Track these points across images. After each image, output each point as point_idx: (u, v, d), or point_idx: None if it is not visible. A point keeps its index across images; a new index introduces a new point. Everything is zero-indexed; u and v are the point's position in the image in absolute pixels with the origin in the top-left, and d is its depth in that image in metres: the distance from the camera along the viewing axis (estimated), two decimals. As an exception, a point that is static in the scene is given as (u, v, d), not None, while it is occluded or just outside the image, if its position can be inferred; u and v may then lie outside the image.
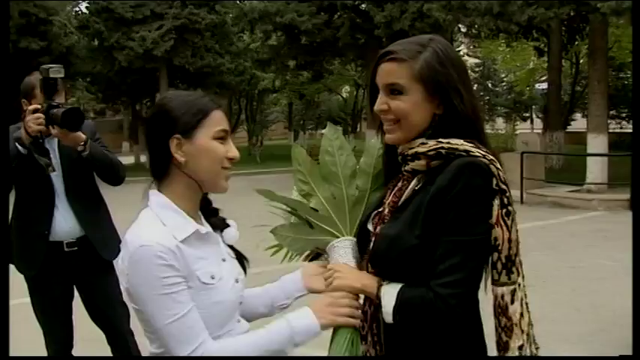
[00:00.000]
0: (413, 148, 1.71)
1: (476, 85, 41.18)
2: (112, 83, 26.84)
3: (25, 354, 4.56)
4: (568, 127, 27.19)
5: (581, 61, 26.50)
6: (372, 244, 1.78)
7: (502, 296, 1.67)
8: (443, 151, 1.65)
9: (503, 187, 1.63)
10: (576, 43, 24.28)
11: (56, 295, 3.57)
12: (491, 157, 1.65)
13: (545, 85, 25.91)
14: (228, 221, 1.93)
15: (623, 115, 30.87)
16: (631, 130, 29.77)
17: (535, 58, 30.49)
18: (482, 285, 1.70)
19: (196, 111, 1.73)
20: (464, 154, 1.63)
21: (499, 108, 43.47)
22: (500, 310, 1.67)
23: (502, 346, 1.68)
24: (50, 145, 3.39)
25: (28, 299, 3.65)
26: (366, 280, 1.75)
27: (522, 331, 1.67)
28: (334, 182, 1.97)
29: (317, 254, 2.01)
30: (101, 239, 3.53)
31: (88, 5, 25.92)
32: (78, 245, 3.51)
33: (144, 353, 1.92)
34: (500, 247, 1.64)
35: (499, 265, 1.65)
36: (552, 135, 20.00)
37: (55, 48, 21.81)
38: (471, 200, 1.60)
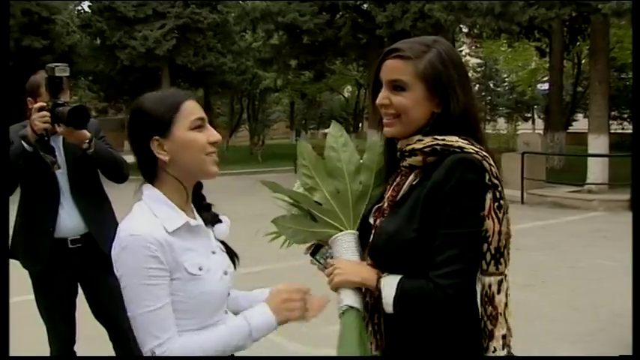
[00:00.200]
0: (410, 144, 1.79)
1: (478, 86, 41.19)
2: (114, 82, 26.89)
3: (26, 351, 4.60)
4: (570, 127, 27.18)
5: (582, 61, 26.47)
6: (371, 237, 1.84)
7: (489, 286, 1.72)
8: (438, 147, 1.72)
9: (496, 181, 1.70)
10: (578, 43, 24.27)
11: (60, 291, 3.61)
12: (485, 153, 1.71)
13: (546, 86, 25.89)
14: (221, 217, 1.99)
15: (625, 115, 30.86)
16: (632, 131, 29.79)
17: (537, 58, 30.49)
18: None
19: (168, 108, 1.78)
20: (458, 150, 1.71)
21: (501, 108, 43.45)
22: (487, 299, 1.73)
23: (487, 334, 1.74)
24: (55, 143, 3.43)
25: (30, 296, 3.69)
26: (365, 274, 1.81)
27: (506, 321, 1.73)
28: (339, 177, 2.02)
29: (318, 246, 2.05)
30: (105, 236, 3.55)
31: (90, 4, 25.93)
32: (82, 242, 3.54)
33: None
34: (490, 239, 1.70)
35: (488, 256, 1.71)
36: (553, 135, 20.00)
37: (58, 47, 21.83)
38: (465, 194, 1.67)
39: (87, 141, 3.34)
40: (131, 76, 25.98)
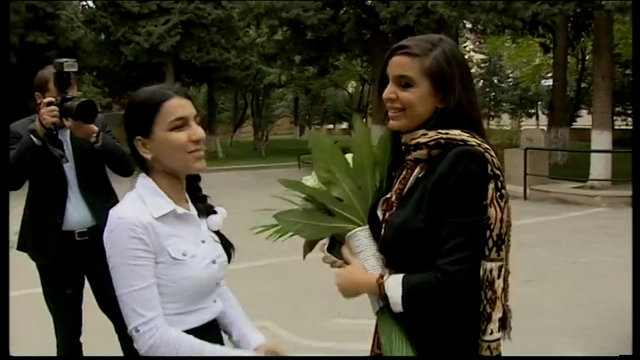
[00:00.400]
0: (415, 138, 1.86)
1: (482, 82, 41.13)
2: (118, 77, 26.95)
3: (30, 343, 4.66)
4: (573, 123, 27.18)
5: (587, 57, 26.44)
6: (382, 232, 1.90)
7: (491, 271, 1.79)
8: (442, 140, 1.80)
9: (497, 172, 1.78)
10: (582, 39, 24.22)
11: (67, 283, 3.66)
12: (486, 145, 1.80)
13: (550, 82, 25.87)
14: (218, 208, 2.06)
15: (629, 111, 30.79)
16: (637, 127, 29.70)
17: (541, 54, 30.44)
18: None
19: (150, 107, 1.84)
20: (461, 143, 1.78)
21: (505, 104, 43.38)
22: (488, 284, 1.79)
23: (485, 317, 1.81)
24: (63, 137, 3.49)
25: (34, 290, 3.74)
26: (363, 288, 1.90)
27: (502, 304, 1.81)
28: (361, 173, 2.03)
29: (332, 241, 2.06)
30: None
31: (94, 0, 26.00)
32: (89, 235, 3.60)
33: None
34: (492, 226, 1.77)
35: (490, 243, 1.78)
36: (557, 131, 20.01)
37: (62, 42, 21.86)
38: (469, 185, 1.75)
39: (94, 135, 3.40)
40: (135, 71, 26.03)
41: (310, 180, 2.09)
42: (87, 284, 3.78)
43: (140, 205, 1.83)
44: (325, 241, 2.06)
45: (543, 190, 13.56)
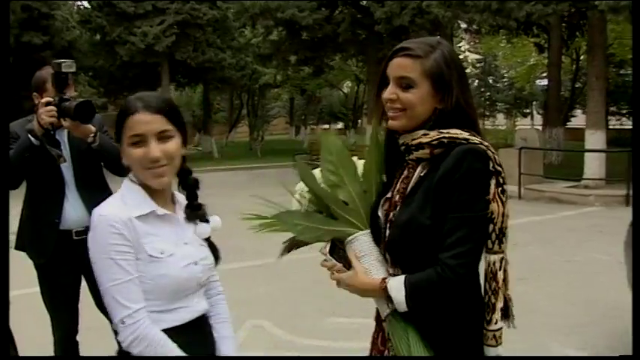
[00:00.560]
0: (416, 138, 1.91)
1: (477, 81, 41.18)
2: (113, 78, 26.96)
3: (28, 343, 4.67)
4: (568, 123, 27.26)
5: (581, 57, 26.54)
6: (387, 232, 1.95)
7: (494, 263, 1.89)
8: (445, 140, 1.86)
9: (499, 168, 1.85)
10: (576, 39, 24.31)
11: (65, 282, 3.69)
12: (487, 143, 1.87)
13: (545, 82, 25.94)
14: (212, 218, 2.09)
15: (624, 111, 30.91)
16: (631, 127, 29.86)
17: (535, 54, 30.51)
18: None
19: (120, 119, 1.92)
20: (464, 142, 1.85)
21: (500, 104, 43.45)
22: (492, 275, 1.89)
23: (490, 307, 1.90)
24: (60, 137, 3.53)
25: (32, 290, 3.76)
26: (369, 292, 1.95)
27: (503, 294, 1.90)
28: (368, 178, 2.07)
29: (333, 244, 2.06)
30: None
31: (90, 0, 25.97)
32: (86, 234, 3.61)
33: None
34: (495, 220, 1.86)
35: (493, 236, 1.87)
36: (551, 131, 20.06)
37: (57, 42, 21.85)
38: (473, 181, 1.81)
39: (92, 135, 3.44)
40: (131, 71, 26.06)
41: (316, 174, 2.09)
42: (84, 283, 3.80)
43: (121, 204, 1.91)
44: (326, 244, 2.07)
45: (538, 190, 13.60)
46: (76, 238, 3.63)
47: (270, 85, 37.26)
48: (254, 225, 2.10)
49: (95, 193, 3.68)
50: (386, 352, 2.00)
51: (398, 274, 1.89)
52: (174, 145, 1.90)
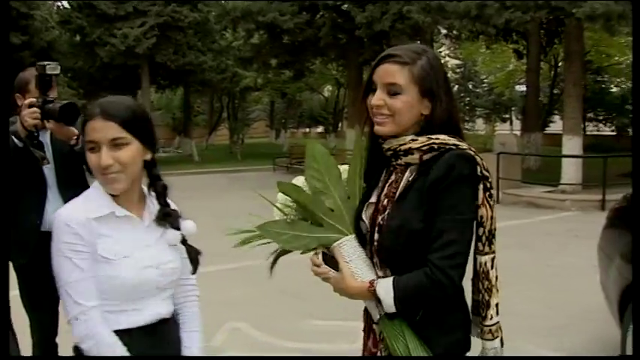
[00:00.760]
0: (404, 144, 1.93)
1: (457, 86, 41.40)
2: (93, 79, 26.76)
3: (26, 343, 4.64)
4: (546, 128, 27.52)
5: (559, 64, 26.82)
6: (375, 235, 1.96)
7: (485, 263, 1.96)
8: (435, 145, 1.89)
9: (486, 173, 1.91)
10: (554, 46, 24.58)
11: (45, 283, 3.67)
12: (474, 149, 1.92)
13: (524, 87, 26.19)
14: (184, 223, 2.10)
15: (600, 117, 31.26)
16: (607, 133, 30.25)
17: (515, 60, 30.78)
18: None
19: (82, 124, 1.97)
20: (453, 147, 1.88)
21: (479, 109, 43.72)
22: (484, 275, 1.97)
23: (484, 304, 1.98)
24: (43, 139, 3.52)
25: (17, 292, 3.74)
26: (357, 296, 1.97)
27: (497, 291, 1.97)
28: (352, 184, 2.08)
29: (324, 253, 2.05)
30: None
31: (70, 0, 25.80)
32: None
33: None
34: (484, 224, 1.93)
35: (483, 238, 1.95)
36: (530, 136, 20.26)
37: (37, 43, 21.72)
38: (463, 186, 1.86)
39: (75, 137, 3.43)
40: (111, 73, 25.91)
41: (301, 181, 2.10)
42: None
43: (82, 205, 1.95)
44: (317, 254, 2.05)
45: (515, 194, 13.74)
46: None
47: (250, 88, 37.21)
48: (237, 238, 2.11)
49: (77, 194, 3.68)
50: (378, 353, 2.01)
51: (387, 276, 1.92)
52: (128, 152, 1.91)
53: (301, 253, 2.08)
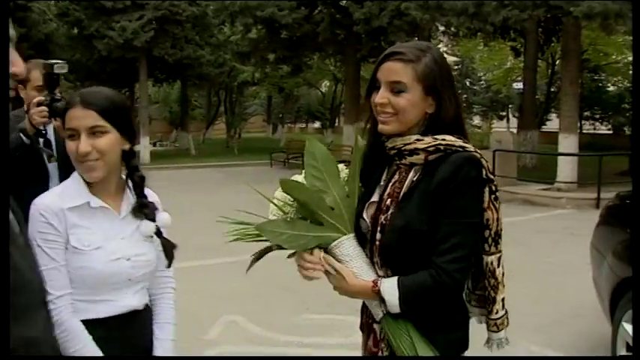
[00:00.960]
0: (410, 144, 1.92)
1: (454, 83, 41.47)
2: (91, 72, 26.67)
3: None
4: (543, 126, 27.58)
5: (557, 62, 26.85)
6: (376, 235, 1.96)
7: (491, 262, 1.98)
8: (441, 146, 1.88)
9: (491, 176, 1.92)
10: (552, 44, 24.61)
11: None
12: (479, 151, 1.92)
13: (521, 85, 26.23)
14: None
15: (597, 116, 31.35)
16: (603, 132, 30.36)
17: (512, 58, 30.80)
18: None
19: (64, 113, 1.99)
20: (460, 149, 1.88)
21: (476, 106, 43.82)
22: (490, 274, 1.99)
23: (490, 300, 2.01)
24: (49, 135, 3.56)
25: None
26: (360, 295, 1.98)
27: (503, 286, 2.01)
28: (351, 182, 2.06)
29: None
30: None
31: (68, -7, 25.72)
32: None
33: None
34: (490, 226, 1.94)
35: (490, 240, 1.96)
36: (526, 134, 20.31)
37: (34, 35, 21.67)
38: (469, 189, 1.87)
39: None
40: (108, 66, 25.85)
41: (300, 178, 2.06)
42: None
43: (58, 195, 1.99)
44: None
45: (511, 192, 13.72)
46: None
47: (248, 82, 37.22)
48: (230, 232, 2.08)
49: None
50: (379, 352, 2.00)
51: (387, 276, 1.92)
52: (106, 140, 1.94)
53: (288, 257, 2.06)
